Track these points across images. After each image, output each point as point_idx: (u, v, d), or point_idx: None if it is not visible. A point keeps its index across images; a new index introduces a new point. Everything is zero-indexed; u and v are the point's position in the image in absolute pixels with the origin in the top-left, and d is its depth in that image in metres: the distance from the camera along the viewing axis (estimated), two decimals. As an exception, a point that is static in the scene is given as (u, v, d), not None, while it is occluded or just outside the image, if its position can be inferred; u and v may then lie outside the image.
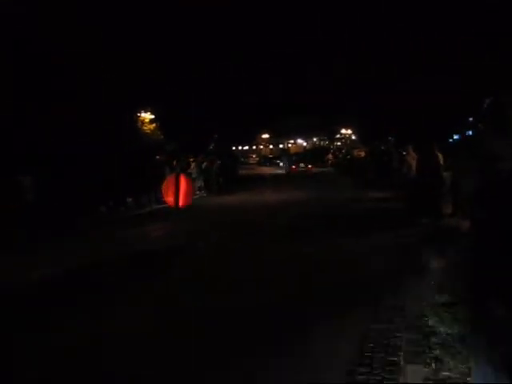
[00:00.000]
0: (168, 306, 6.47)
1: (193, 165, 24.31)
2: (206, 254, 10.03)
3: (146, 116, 31.90)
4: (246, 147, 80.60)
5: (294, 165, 49.75)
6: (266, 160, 64.16)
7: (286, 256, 9.39)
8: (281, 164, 56.07)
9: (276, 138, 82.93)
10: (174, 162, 22.30)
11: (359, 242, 10.57)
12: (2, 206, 13.07)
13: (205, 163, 25.32)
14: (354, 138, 73.81)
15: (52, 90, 18.78)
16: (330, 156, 51.16)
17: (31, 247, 10.77)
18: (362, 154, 41.92)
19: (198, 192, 22.08)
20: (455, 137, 32.90)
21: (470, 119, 31.81)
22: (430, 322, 5.35)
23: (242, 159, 61.74)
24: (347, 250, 9.77)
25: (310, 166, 51.89)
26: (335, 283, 7.29)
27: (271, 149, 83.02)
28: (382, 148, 35.89)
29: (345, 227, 12.69)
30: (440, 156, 12.52)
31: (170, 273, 8.45)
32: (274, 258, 9.28)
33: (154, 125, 32.34)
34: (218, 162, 26.75)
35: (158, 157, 22.57)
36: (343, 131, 77.93)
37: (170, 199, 11.66)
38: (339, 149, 65.12)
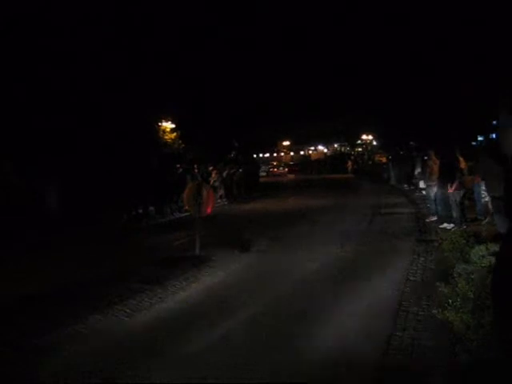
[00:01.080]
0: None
1: (213, 173, 24.39)
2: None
3: (168, 125, 32.15)
4: (267, 154, 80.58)
5: (272, 169, 55.67)
6: (287, 167, 64.03)
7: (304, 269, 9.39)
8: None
9: (297, 145, 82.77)
10: (196, 171, 22.44)
11: (384, 246, 10.56)
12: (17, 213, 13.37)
13: (226, 171, 25.39)
14: (375, 143, 73.36)
15: (75, 99, 19.11)
16: (350, 163, 50.98)
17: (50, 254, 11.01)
18: (383, 159, 41.74)
19: (219, 200, 22.13)
20: (479, 138, 32.24)
21: (494, 122, 31.31)
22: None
23: (263, 166, 61.72)
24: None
25: (285, 170, 58.50)
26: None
27: (292, 156, 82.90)
28: (401, 153, 35.66)
29: (368, 235, 12.63)
30: (462, 160, 12.40)
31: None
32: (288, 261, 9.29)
33: (175, 134, 32.58)
34: (239, 169, 26.81)
35: (178, 165, 22.68)
36: (364, 137, 77.47)
37: (191, 208, 11.69)
38: (360, 154, 64.79)
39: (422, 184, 22.92)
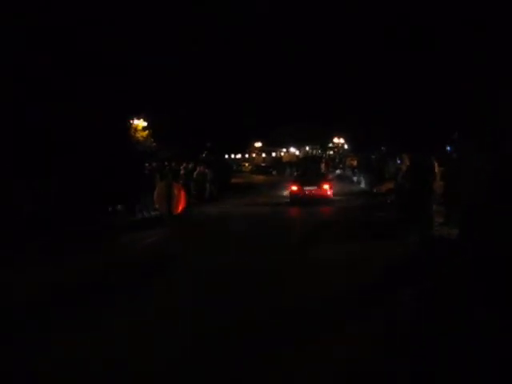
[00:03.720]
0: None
1: (182, 172, 24.22)
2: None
3: (139, 123, 31.80)
4: (239, 155, 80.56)
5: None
6: (258, 168, 64.02)
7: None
8: (273, 172, 56.09)
9: (269, 147, 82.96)
10: (166, 170, 22.20)
11: (341, 251, 10.61)
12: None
13: (197, 171, 25.23)
14: (346, 147, 73.95)
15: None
16: (323, 166, 51.22)
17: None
18: (355, 162, 42.07)
19: (190, 200, 21.89)
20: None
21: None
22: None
23: (235, 167, 61.60)
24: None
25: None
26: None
27: (264, 157, 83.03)
28: (373, 157, 35.99)
29: (337, 235, 12.70)
30: (436, 165, 12.49)
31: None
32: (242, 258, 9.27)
33: (146, 132, 32.25)
34: (210, 170, 26.60)
35: (146, 164, 22.36)
36: (336, 140, 78.13)
37: (162, 207, 11.58)
38: (332, 158, 65.12)
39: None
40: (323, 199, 21.29)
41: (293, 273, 8.72)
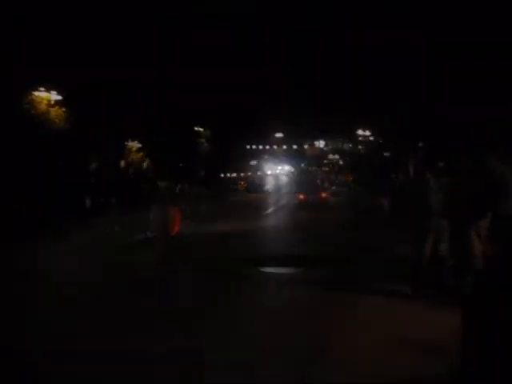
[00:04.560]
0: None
1: (178, 192, 24.21)
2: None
3: (134, 145, 31.86)
4: (234, 174, 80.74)
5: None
6: (253, 186, 63.99)
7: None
8: (269, 190, 56.18)
9: (264, 165, 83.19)
10: (162, 191, 22.18)
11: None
12: None
13: (192, 191, 25.22)
14: (341, 163, 74.18)
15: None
16: (319, 181, 51.41)
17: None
18: (350, 179, 42.26)
19: (186, 220, 21.77)
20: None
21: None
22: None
23: (231, 186, 61.73)
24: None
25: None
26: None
27: (259, 175, 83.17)
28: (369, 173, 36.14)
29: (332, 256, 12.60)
30: (432, 179, 12.37)
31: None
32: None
33: (141, 153, 32.30)
34: (206, 189, 26.61)
35: (142, 185, 22.38)
36: (330, 156, 78.42)
37: (157, 228, 11.49)
38: (327, 174, 65.31)
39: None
40: (322, 202, 29.09)
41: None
